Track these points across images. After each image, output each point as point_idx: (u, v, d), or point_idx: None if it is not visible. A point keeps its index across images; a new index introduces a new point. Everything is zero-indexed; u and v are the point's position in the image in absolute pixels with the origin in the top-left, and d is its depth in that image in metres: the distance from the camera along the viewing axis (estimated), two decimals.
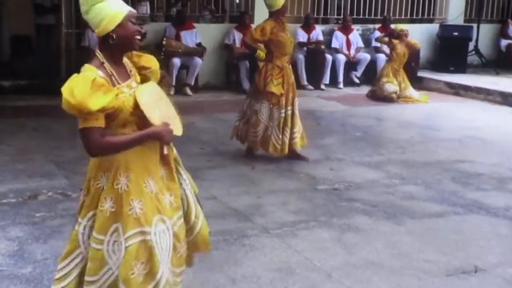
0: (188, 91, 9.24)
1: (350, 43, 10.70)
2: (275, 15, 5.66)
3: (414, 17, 11.78)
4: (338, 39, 10.68)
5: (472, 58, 11.54)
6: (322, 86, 10.25)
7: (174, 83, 9.28)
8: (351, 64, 10.66)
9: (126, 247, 2.43)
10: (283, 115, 5.64)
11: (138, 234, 2.44)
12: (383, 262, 3.64)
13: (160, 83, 2.75)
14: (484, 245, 3.94)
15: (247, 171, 5.49)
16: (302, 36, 10.39)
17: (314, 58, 10.20)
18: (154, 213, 2.50)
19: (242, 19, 10.15)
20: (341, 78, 10.47)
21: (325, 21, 11.70)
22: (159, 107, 2.52)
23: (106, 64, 2.42)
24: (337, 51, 10.57)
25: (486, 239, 4.05)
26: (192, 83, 9.48)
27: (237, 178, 5.29)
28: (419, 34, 11.21)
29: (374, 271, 3.52)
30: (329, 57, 10.33)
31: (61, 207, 4.38)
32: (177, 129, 2.58)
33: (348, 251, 3.80)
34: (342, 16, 11.39)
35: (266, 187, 5.06)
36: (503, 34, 12.09)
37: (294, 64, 10.26)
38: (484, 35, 11.70)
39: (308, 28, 10.47)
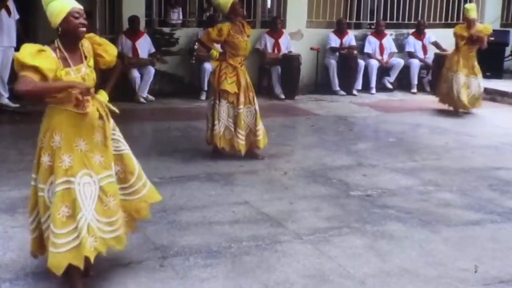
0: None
1: (383, 48, 10.61)
2: (230, 17, 5.87)
3: (449, 21, 11.62)
4: (371, 44, 10.60)
5: (509, 64, 11.34)
6: (354, 92, 10.18)
7: (206, 88, 9.31)
8: (384, 70, 10.57)
9: (54, 192, 3.02)
10: (236, 113, 5.84)
11: (64, 183, 3.03)
12: (417, 271, 3.57)
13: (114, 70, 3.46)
14: None
15: (279, 176, 5.47)
16: (335, 41, 10.34)
17: (347, 63, 10.14)
18: (81, 168, 3.07)
19: (273, 24, 10.15)
20: (373, 83, 10.38)
21: (357, 26, 11.62)
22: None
23: (59, 49, 3.04)
24: (370, 56, 10.48)
25: None
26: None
27: (269, 183, 5.27)
28: (454, 40, 11.05)
29: (408, 279, 3.46)
30: (361, 62, 10.25)
31: None
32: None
33: (381, 258, 3.74)
34: (375, 21, 11.30)
35: (298, 192, 5.03)
36: None
37: (326, 69, 10.32)
38: None
39: (340, 33, 10.42)
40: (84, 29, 3.08)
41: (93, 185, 3.11)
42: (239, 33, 5.87)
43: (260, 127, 5.97)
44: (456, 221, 4.41)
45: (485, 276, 3.52)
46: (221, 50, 6.02)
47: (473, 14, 8.22)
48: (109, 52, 3.33)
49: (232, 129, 5.86)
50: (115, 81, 3.56)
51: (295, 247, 3.86)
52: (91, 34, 3.28)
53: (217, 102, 5.88)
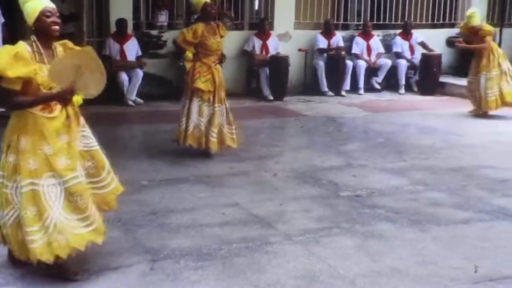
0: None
1: (371, 49, 10.65)
2: (202, 17, 6.02)
3: (436, 22, 11.69)
4: (359, 45, 10.64)
5: None
6: (343, 93, 10.21)
7: None
8: (372, 70, 10.61)
9: (21, 193, 3.19)
10: (212, 111, 5.93)
11: (30, 184, 3.18)
12: (408, 270, 3.59)
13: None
14: (511, 252, 3.87)
15: (269, 178, 5.47)
16: (322, 42, 10.37)
17: (335, 64, 10.17)
18: (46, 171, 3.21)
19: (261, 25, 10.16)
20: (362, 84, 10.42)
21: (345, 27, 11.65)
22: (69, 73, 3.19)
23: (35, 44, 3.22)
24: (357, 57, 10.52)
25: None
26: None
27: (259, 185, 5.27)
28: (441, 40, 11.14)
29: (399, 279, 3.47)
30: (349, 63, 10.29)
31: None
32: (93, 89, 3.38)
33: (372, 258, 3.75)
34: (362, 22, 11.35)
35: (288, 193, 5.04)
36: None
37: (314, 70, 10.35)
38: (507, 39, 11.54)
39: (328, 34, 10.44)
40: (57, 27, 3.25)
41: (58, 186, 3.24)
42: (211, 34, 5.99)
43: (234, 126, 6.10)
44: (446, 220, 4.43)
45: (474, 275, 3.54)
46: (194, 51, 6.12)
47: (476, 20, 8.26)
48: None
49: (203, 128, 5.95)
50: None
51: (286, 248, 3.87)
52: (66, 41, 3.44)
53: (189, 101, 5.99)
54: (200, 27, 5.94)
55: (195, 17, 11.29)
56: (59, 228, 3.17)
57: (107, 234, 3.48)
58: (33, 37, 3.25)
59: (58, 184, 3.24)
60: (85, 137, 3.43)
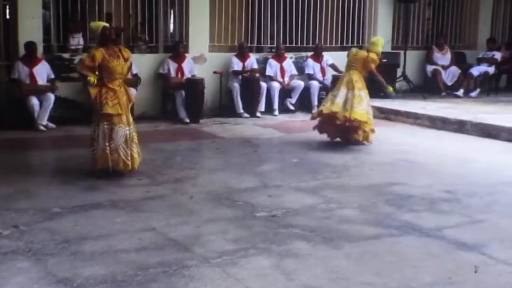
0: None
1: (284, 71, 10.91)
2: (102, 42, 6.09)
3: (345, 45, 12.15)
4: (272, 67, 10.87)
5: (401, 84, 11.99)
6: (258, 114, 10.37)
7: None
8: (285, 92, 10.85)
9: None
10: (127, 132, 6.07)
11: None
12: (322, 287, 3.69)
13: None
14: (419, 265, 4.06)
15: (186, 201, 5.47)
16: (237, 65, 10.52)
17: (249, 86, 10.33)
18: None
19: (176, 48, 10.19)
20: (276, 105, 10.63)
21: (259, 50, 11.89)
22: None
23: None
24: (271, 78, 10.74)
25: (420, 259, 4.17)
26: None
27: (176, 208, 5.26)
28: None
29: None
30: (264, 85, 10.49)
31: None
32: None
33: (287, 277, 3.83)
34: (275, 45, 11.62)
35: (205, 216, 5.05)
36: (428, 60, 12.63)
37: (229, 92, 10.46)
38: (411, 61, 12.21)
39: (242, 56, 10.61)
40: None
41: None
42: (115, 57, 6.05)
43: (135, 147, 6.16)
44: (357, 237, 4.59)
45: None
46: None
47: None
48: None
49: (125, 149, 6.03)
50: None
51: (203, 271, 3.87)
52: None
53: (98, 126, 6.04)
54: (98, 51, 6.02)
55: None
56: None
57: (16, 265, 3.36)
58: None
59: None
60: None
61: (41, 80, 9.00)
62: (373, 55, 8.03)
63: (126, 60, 6.16)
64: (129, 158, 6.06)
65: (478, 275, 3.89)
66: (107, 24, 6.27)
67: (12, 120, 8.73)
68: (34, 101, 8.74)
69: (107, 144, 5.99)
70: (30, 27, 9.12)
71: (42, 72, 9.04)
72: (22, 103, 8.75)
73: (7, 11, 9.61)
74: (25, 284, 3.57)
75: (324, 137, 8.25)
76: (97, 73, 6.05)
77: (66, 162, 6.95)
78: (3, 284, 3.53)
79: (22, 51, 9.00)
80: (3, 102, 9.03)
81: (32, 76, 8.92)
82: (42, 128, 8.72)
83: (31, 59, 8.96)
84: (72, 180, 6.02)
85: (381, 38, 8.65)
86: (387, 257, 4.20)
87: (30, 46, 8.90)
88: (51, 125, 8.87)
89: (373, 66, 8.01)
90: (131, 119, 6.20)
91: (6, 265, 3.85)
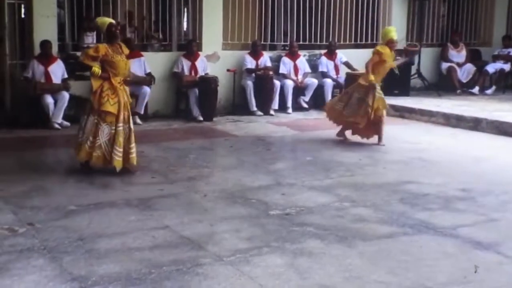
0: (138, 120, 9.16)
1: (297, 68, 10.89)
2: (107, 39, 6.22)
3: (358, 42, 12.10)
4: (286, 65, 10.85)
5: (415, 81, 11.91)
6: (272, 112, 10.36)
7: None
8: (299, 89, 10.83)
9: None
10: (113, 131, 6.08)
11: None
12: (336, 286, 3.68)
13: None
14: (433, 265, 4.03)
15: (199, 199, 5.48)
16: (250, 63, 10.51)
17: (263, 84, 10.32)
18: None
19: (189, 47, 10.20)
20: (290, 103, 10.61)
21: (272, 48, 11.87)
22: None
23: None
24: (285, 76, 10.73)
25: (435, 258, 4.15)
26: (142, 112, 9.44)
27: (189, 206, 5.27)
28: (364, 59, 11.47)
29: None
30: (277, 83, 10.47)
31: (7, 243, 4.25)
32: None
33: (301, 276, 3.82)
34: (289, 43, 11.59)
35: (218, 214, 5.06)
36: (443, 57, 12.55)
37: (243, 91, 10.46)
38: (425, 58, 12.12)
39: (255, 54, 10.61)
40: None
41: None
42: (118, 54, 6.16)
43: (133, 145, 6.20)
44: (371, 235, 4.57)
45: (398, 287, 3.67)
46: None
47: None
48: None
49: (107, 147, 6.08)
50: None
51: (216, 269, 3.88)
52: None
53: (87, 117, 6.12)
54: (102, 45, 6.15)
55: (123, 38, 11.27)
56: None
57: (31, 263, 3.39)
58: None
59: None
60: None
61: (56, 79, 9.05)
62: (379, 47, 7.94)
63: (126, 57, 6.28)
64: (119, 156, 6.07)
65: (493, 274, 3.86)
66: (113, 21, 6.34)
67: (27, 119, 8.81)
68: (49, 99, 8.79)
69: (91, 138, 6.06)
70: (45, 26, 9.18)
71: (57, 71, 9.09)
72: (37, 102, 8.82)
73: (22, 10, 9.66)
74: (40, 281, 3.60)
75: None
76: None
77: None
78: (18, 281, 3.56)
79: (37, 49, 9.07)
80: (18, 100, 9.10)
81: (47, 75, 8.98)
82: (56, 126, 8.78)
83: (46, 58, 9.02)
84: (87, 178, 6.06)
85: (389, 27, 8.60)
86: (402, 256, 4.18)
87: (45, 45, 8.96)
88: (65, 123, 8.92)
89: (375, 58, 7.78)
90: (127, 117, 6.23)
91: (21, 262, 3.88)
